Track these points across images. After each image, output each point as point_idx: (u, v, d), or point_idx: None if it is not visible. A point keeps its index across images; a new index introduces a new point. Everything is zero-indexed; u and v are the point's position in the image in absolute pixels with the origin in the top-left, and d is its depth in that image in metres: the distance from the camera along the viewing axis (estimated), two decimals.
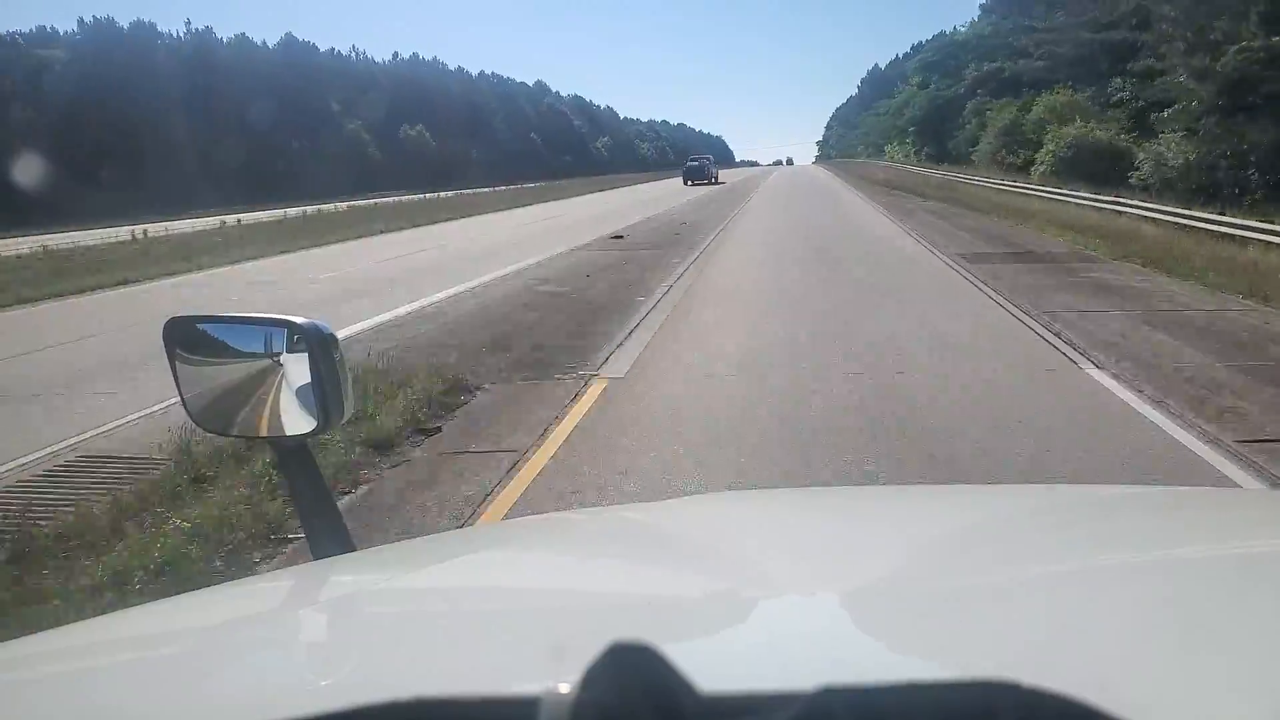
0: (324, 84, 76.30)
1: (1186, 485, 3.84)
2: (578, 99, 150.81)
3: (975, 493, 1.96)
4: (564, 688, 0.40)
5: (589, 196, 43.55)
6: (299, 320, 1.15)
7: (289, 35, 79.88)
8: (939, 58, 53.33)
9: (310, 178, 61.86)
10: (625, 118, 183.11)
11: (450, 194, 44.01)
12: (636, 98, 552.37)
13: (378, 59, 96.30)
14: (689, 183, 52.52)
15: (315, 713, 0.47)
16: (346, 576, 1.04)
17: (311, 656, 0.78)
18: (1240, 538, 1.04)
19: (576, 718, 0.38)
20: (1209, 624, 0.69)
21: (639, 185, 57.26)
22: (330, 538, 1.15)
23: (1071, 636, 0.67)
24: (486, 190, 51.95)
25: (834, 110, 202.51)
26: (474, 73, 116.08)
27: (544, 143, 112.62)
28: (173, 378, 1.20)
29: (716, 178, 56.62)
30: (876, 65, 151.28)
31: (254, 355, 1.22)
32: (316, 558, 1.12)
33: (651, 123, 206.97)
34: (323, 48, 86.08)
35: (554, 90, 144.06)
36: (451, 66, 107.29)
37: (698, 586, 0.89)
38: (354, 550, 1.18)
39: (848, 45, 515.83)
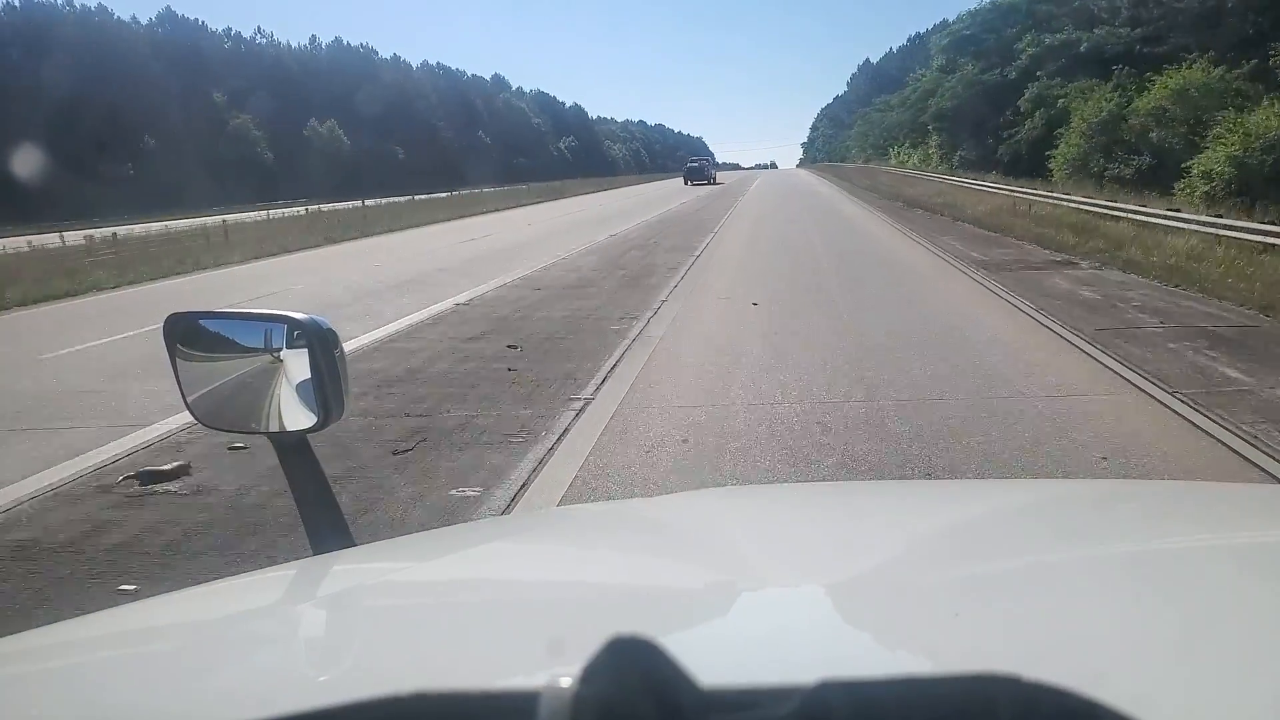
0: (206, 69, 62.34)
1: None
2: (541, 95, 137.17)
3: (973, 487, 1.98)
4: (564, 682, 0.39)
5: (494, 216, 30.67)
6: (299, 316, 1.16)
7: (168, 10, 65.82)
8: (974, 30, 39.95)
9: (165, 183, 48.03)
10: (598, 117, 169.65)
11: (296, 211, 30.38)
12: (612, 97, 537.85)
13: (294, 44, 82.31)
14: (689, 182, 54.67)
15: (315, 708, 0.46)
16: (346, 571, 1.03)
17: (311, 651, 0.78)
18: (1238, 530, 1.04)
19: (577, 712, 0.38)
20: (1207, 616, 0.69)
21: (585, 196, 44.01)
22: (330, 532, 1.16)
23: (1070, 629, 0.67)
24: (385, 201, 38.49)
25: (819, 110, 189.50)
26: (415, 63, 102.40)
27: (494, 142, 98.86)
28: (173, 374, 1.19)
29: (715, 179, 59.36)
30: (868, 59, 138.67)
31: (254, 351, 1.22)
32: (316, 553, 1.13)
33: (626, 123, 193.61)
34: (218, 27, 71.81)
35: (514, 86, 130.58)
36: (385, 54, 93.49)
37: (697, 580, 0.89)
38: (354, 545, 1.18)
39: (834, 41, 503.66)
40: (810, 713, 0.39)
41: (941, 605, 0.74)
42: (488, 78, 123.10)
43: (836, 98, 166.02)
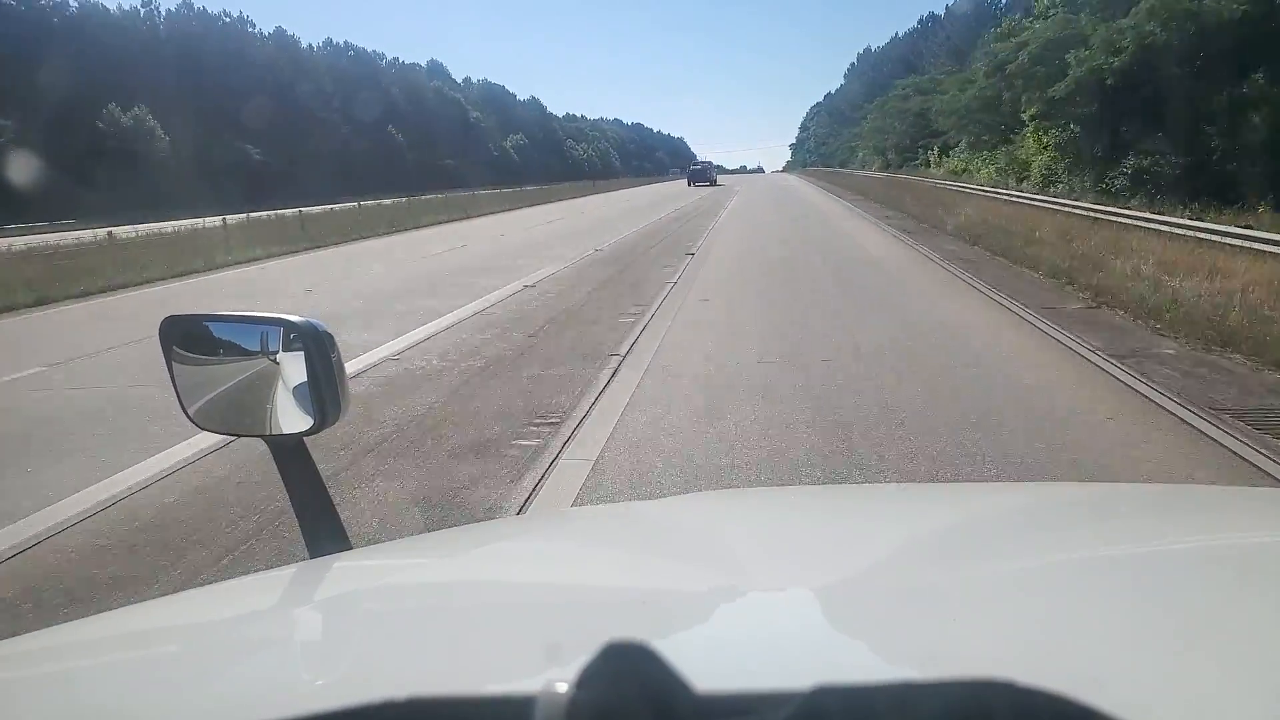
0: None
1: None
2: (488, 86, 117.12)
3: (971, 490, 1.95)
4: (560, 687, 0.39)
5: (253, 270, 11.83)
6: (295, 319, 1.15)
7: None
8: None
9: None
10: (566, 114, 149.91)
11: None
12: (591, 95, 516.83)
13: (118, 5, 62.00)
14: (692, 184, 59.14)
15: (310, 712, 0.46)
16: (342, 575, 1.02)
17: (307, 655, 0.77)
18: (1236, 534, 1.03)
19: (572, 717, 0.38)
20: (1206, 621, 0.69)
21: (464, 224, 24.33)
22: (326, 536, 1.16)
23: (1067, 634, 0.66)
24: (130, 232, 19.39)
25: (810, 108, 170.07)
26: (315, 41, 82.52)
27: (412, 140, 79.00)
28: (169, 376, 1.20)
29: (715, 180, 64.01)
30: (869, 47, 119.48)
31: (250, 354, 1.22)
32: (313, 556, 1.12)
33: (599, 121, 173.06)
34: None
35: (462, 77, 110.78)
36: (265, 29, 73.50)
37: (694, 584, 0.88)
38: (350, 548, 1.18)
39: (825, 36, 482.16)
40: (807, 717, 0.38)
41: (939, 610, 0.73)
42: (423, 64, 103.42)
43: (829, 94, 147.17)
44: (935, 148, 42.79)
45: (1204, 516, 1.13)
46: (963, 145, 36.69)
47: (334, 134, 68.16)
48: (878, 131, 58.95)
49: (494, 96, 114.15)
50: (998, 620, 0.71)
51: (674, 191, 49.01)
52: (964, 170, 36.59)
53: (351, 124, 71.25)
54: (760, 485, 3.72)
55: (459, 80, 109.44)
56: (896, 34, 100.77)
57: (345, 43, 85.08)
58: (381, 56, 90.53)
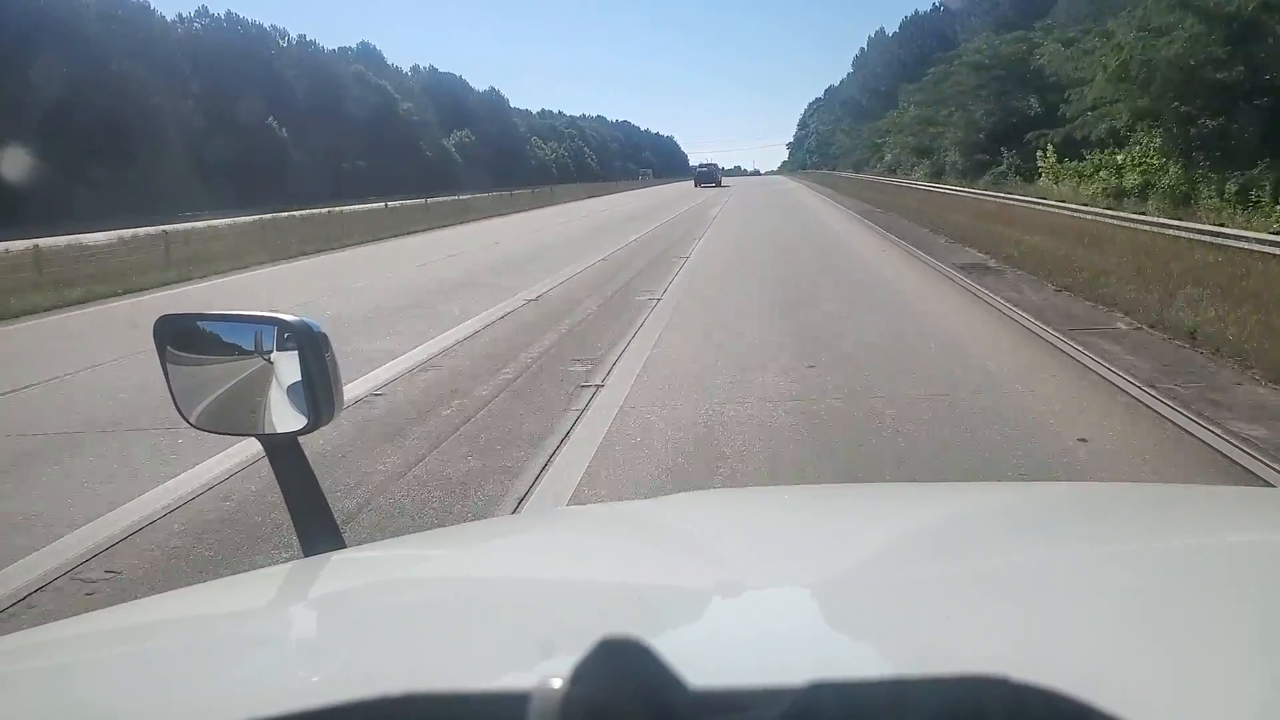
0: None
1: None
2: (434, 74, 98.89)
3: (965, 489, 2.02)
4: (555, 683, 0.39)
5: None
6: (289, 318, 1.16)
7: None
8: None
9: None
10: (543, 109, 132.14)
11: None
12: (578, 93, 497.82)
13: None
14: (699, 185, 59.70)
15: (305, 709, 0.46)
16: (337, 572, 1.04)
17: (302, 653, 0.78)
18: (1230, 532, 1.04)
19: (567, 713, 0.38)
20: (1200, 619, 0.69)
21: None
22: (321, 535, 1.17)
23: (1062, 631, 0.66)
24: None
25: (809, 104, 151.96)
26: (186, 12, 64.68)
27: (299, 137, 61.18)
28: (163, 376, 1.20)
29: (720, 182, 64.93)
30: (882, 29, 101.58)
31: (245, 353, 1.23)
32: (307, 555, 1.13)
33: (579, 118, 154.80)
34: None
35: (410, 65, 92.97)
36: None
37: (688, 581, 0.88)
38: (344, 546, 1.19)
39: (822, 30, 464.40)
40: (801, 714, 0.38)
41: (933, 607, 0.73)
42: (354, 47, 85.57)
43: (830, 88, 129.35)
44: (1049, 146, 25.09)
45: (1198, 515, 1.13)
46: (1143, 142, 18.98)
47: (183, 128, 50.58)
48: (924, 123, 40.77)
49: (442, 87, 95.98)
50: (993, 617, 0.70)
51: (627, 211, 31.15)
52: (1141, 186, 19.00)
53: (208, 115, 53.60)
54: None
55: (405, 69, 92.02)
56: (916, 10, 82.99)
57: (228, 13, 67.09)
58: (284, 34, 72.60)
